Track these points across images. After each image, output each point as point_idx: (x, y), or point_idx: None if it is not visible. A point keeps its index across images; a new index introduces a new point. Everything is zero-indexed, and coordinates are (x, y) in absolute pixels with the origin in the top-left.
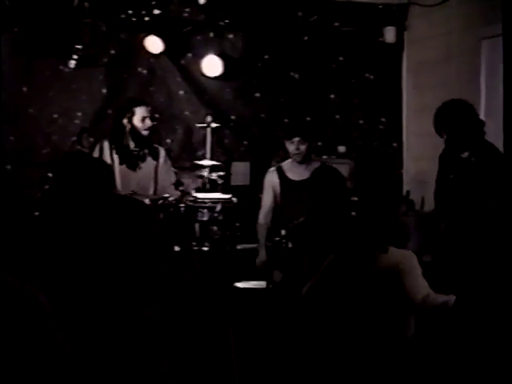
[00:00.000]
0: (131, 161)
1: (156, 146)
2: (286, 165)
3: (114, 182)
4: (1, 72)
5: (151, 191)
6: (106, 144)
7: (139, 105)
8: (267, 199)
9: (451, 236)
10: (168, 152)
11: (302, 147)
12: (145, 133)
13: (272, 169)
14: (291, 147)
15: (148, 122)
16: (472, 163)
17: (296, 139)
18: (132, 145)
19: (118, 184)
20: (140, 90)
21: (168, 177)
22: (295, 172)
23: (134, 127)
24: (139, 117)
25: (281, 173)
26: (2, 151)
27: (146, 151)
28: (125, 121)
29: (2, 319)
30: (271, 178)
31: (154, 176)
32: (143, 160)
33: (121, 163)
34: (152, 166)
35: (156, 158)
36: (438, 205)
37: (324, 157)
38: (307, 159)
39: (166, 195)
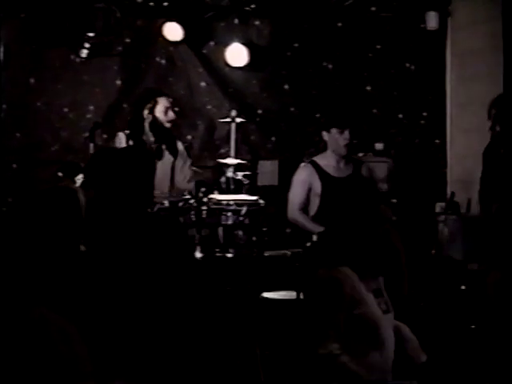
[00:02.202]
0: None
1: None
2: (322, 160)
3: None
4: (5, 62)
5: (166, 190)
6: (122, 137)
7: (162, 95)
8: (299, 195)
9: (501, 242)
10: (186, 148)
11: (350, 139)
12: (168, 125)
13: (305, 164)
14: (340, 139)
15: (171, 114)
16: None
17: (347, 130)
18: (152, 139)
19: None
20: (158, 81)
21: (183, 174)
22: (335, 168)
23: (155, 119)
24: (162, 108)
25: (318, 168)
26: (7, 149)
27: (164, 147)
28: (145, 112)
29: (29, 350)
30: (307, 173)
31: (170, 173)
32: (161, 157)
33: None
34: (170, 162)
35: (174, 154)
36: (484, 207)
37: (360, 154)
38: (352, 153)
39: (187, 196)
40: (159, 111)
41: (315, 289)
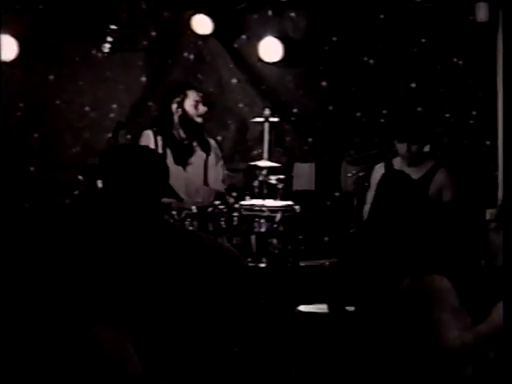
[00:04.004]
0: (181, 155)
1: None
2: (397, 162)
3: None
4: (22, 58)
5: (201, 192)
6: (149, 134)
7: (191, 88)
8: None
9: None
10: (219, 145)
11: (413, 149)
12: (198, 120)
13: (380, 165)
14: (403, 151)
15: (202, 108)
16: None
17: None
18: (182, 135)
19: None
20: (186, 77)
21: (216, 172)
22: (407, 171)
23: (185, 113)
24: (192, 101)
25: (389, 168)
26: (24, 151)
27: (195, 144)
28: (174, 106)
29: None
30: (377, 174)
31: (203, 172)
32: (191, 154)
33: (167, 158)
34: (202, 159)
35: (207, 150)
36: None
37: None
38: (418, 163)
39: (217, 202)
40: (189, 105)
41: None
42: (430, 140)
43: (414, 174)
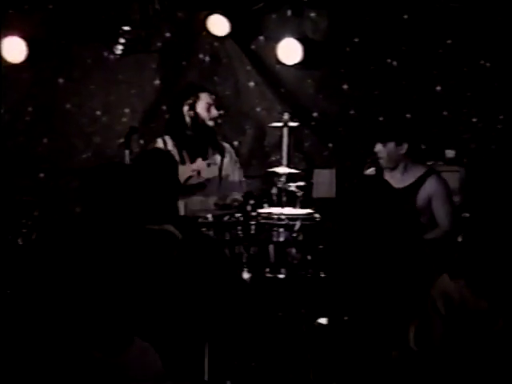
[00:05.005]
0: (195, 156)
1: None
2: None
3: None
4: (31, 60)
5: (216, 196)
6: (160, 143)
7: (204, 90)
8: None
9: None
10: (234, 148)
11: (383, 151)
12: (210, 123)
13: (371, 170)
14: (379, 151)
15: (214, 111)
16: None
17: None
18: (194, 138)
19: None
20: (201, 80)
21: (233, 175)
22: (393, 175)
23: (197, 116)
24: (204, 104)
25: (379, 175)
26: (33, 156)
27: (209, 146)
28: (185, 108)
29: None
30: None
31: (218, 174)
32: (206, 156)
33: (182, 162)
34: (217, 162)
35: (221, 152)
36: None
37: (429, 163)
38: (393, 164)
39: (232, 211)
40: (201, 107)
41: None
42: (407, 139)
43: (403, 181)
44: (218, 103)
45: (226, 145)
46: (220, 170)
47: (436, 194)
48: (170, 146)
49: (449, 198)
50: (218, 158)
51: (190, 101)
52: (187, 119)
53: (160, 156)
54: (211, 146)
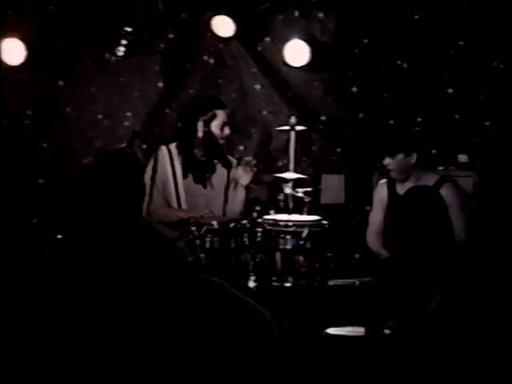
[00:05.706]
0: (201, 174)
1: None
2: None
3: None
4: (30, 62)
5: (221, 209)
6: (164, 154)
7: (222, 107)
8: (375, 217)
9: None
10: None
11: (392, 164)
12: (221, 142)
13: (383, 181)
14: (387, 163)
15: (227, 131)
16: None
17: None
18: (200, 154)
19: (182, 202)
20: (205, 83)
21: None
22: (405, 185)
23: (210, 133)
24: (220, 122)
25: (391, 186)
26: (32, 161)
27: (216, 161)
28: (200, 124)
29: None
30: (379, 192)
31: (224, 190)
32: (212, 172)
33: (185, 176)
34: (223, 178)
35: (228, 165)
36: None
37: (440, 168)
38: (404, 175)
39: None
40: (215, 126)
41: None
42: (416, 149)
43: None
44: (230, 120)
45: (233, 160)
46: (227, 184)
47: (451, 203)
48: (175, 155)
49: (464, 207)
50: (224, 172)
51: (206, 117)
52: (199, 134)
53: (124, 158)
54: (218, 160)
